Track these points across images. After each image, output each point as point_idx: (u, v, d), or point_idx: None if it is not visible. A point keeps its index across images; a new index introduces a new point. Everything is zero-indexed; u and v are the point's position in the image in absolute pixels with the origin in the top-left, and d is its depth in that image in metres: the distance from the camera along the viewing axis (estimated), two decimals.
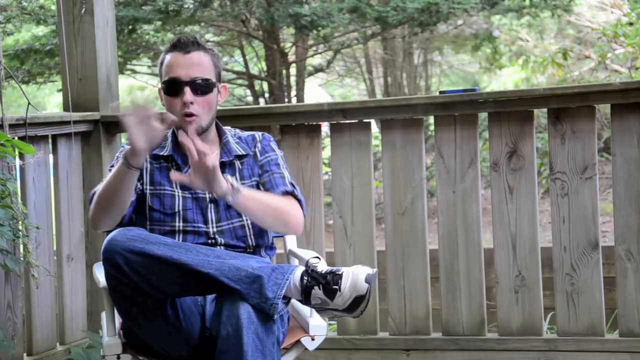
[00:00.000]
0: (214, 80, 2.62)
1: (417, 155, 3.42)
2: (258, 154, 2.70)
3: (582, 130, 3.26)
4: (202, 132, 2.60)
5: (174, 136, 2.68)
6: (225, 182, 2.42)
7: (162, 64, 2.64)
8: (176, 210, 2.59)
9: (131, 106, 2.42)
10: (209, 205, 2.61)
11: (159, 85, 2.69)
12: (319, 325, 2.53)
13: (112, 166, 2.66)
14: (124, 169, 2.43)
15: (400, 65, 12.06)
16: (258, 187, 2.66)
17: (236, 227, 2.61)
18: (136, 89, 14.52)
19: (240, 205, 2.48)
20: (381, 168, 4.05)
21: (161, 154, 2.65)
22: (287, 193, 2.63)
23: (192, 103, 2.56)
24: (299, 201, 2.65)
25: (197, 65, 2.59)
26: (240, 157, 2.68)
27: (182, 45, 2.60)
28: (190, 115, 2.56)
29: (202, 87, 2.58)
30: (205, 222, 2.60)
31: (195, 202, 2.61)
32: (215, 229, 2.60)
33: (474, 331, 3.38)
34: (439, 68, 14.34)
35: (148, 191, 2.62)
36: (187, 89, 2.56)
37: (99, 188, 2.55)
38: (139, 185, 2.61)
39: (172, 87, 2.58)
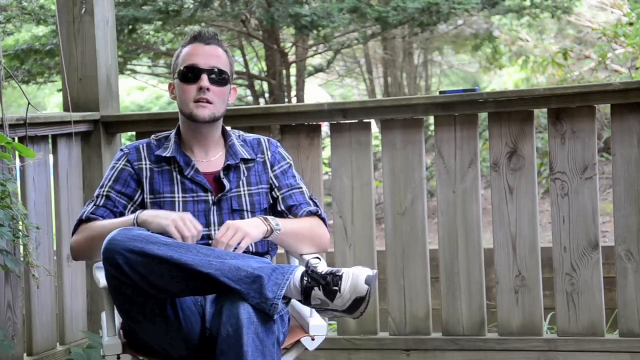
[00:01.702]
0: (229, 75, 2.65)
1: (417, 155, 3.42)
2: (268, 163, 2.70)
3: (582, 130, 3.26)
4: (212, 121, 2.63)
5: (177, 137, 2.68)
6: (264, 226, 2.50)
7: (178, 56, 2.67)
8: None
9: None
10: (212, 208, 2.61)
11: (170, 81, 2.72)
12: (319, 325, 2.53)
13: (112, 168, 2.67)
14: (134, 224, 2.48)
15: (400, 65, 12.05)
16: (271, 194, 2.68)
17: None
18: (136, 89, 14.54)
19: (279, 241, 2.56)
20: (381, 168, 4.05)
21: (163, 155, 2.65)
22: (311, 213, 2.67)
23: (208, 89, 2.59)
24: (323, 220, 2.69)
25: (217, 56, 2.64)
26: (245, 160, 2.68)
27: (202, 37, 2.65)
28: (205, 100, 2.59)
29: (219, 78, 2.62)
30: (207, 225, 2.60)
31: (196, 204, 2.61)
32: (217, 232, 2.60)
33: (474, 331, 3.38)
34: (439, 68, 14.33)
35: (148, 200, 2.63)
36: (205, 76, 2.60)
37: (94, 225, 2.56)
38: (129, 207, 2.64)
39: (190, 74, 2.61)
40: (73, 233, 2.63)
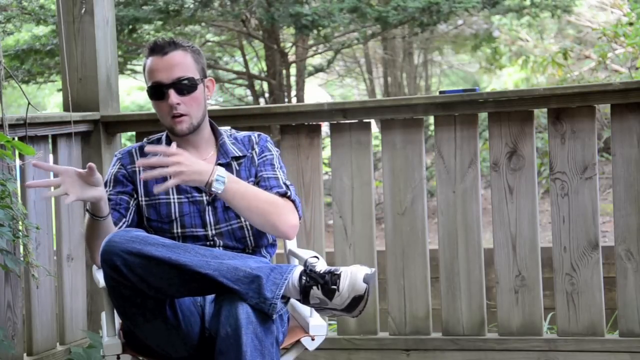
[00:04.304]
0: (197, 77, 2.61)
1: (417, 155, 3.42)
2: (256, 156, 2.69)
3: (582, 130, 3.26)
4: (194, 130, 2.61)
5: (168, 141, 2.67)
6: (206, 177, 2.41)
7: (144, 69, 2.65)
8: (173, 217, 2.60)
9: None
10: (207, 208, 2.61)
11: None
12: (319, 325, 2.53)
13: (109, 174, 2.68)
14: (91, 220, 2.50)
15: (400, 65, 12.04)
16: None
17: (235, 229, 2.61)
18: (136, 89, 14.53)
19: (224, 198, 2.47)
20: (381, 168, 4.05)
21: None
22: (280, 194, 2.59)
23: (178, 104, 2.56)
24: (294, 202, 2.61)
25: (177, 65, 2.58)
26: (237, 158, 2.67)
27: (158, 48, 2.60)
28: (180, 116, 2.57)
29: (186, 87, 2.58)
30: (204, 226, 2.60)
31: (192, 205, 2.61)
32: (214, 232, 2.60)
33: (474, 331, 3.38)
34: (439, 68, 14.32)
35: (144, 203, 2.63)
36: (171, 92, 2.56)
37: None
38: (132, 203, 2.63)
39: (156, 92, 2.59)
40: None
